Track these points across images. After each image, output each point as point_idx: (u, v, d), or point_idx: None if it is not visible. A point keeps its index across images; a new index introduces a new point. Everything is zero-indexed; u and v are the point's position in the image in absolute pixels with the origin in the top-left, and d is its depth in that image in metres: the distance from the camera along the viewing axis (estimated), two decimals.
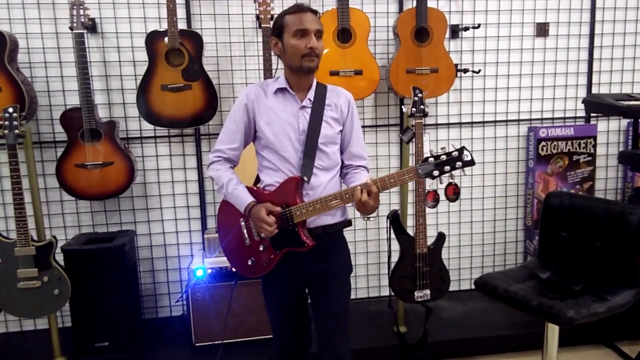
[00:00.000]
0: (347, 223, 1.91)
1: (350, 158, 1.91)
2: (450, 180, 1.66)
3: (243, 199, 1.80)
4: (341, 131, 1.87)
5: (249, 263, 1.86)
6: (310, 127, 1.79)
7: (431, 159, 1.64)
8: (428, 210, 2.99)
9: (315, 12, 1.76)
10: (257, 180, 1.93)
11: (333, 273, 1.86)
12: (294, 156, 1.79)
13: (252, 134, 1.87)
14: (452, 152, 1.62)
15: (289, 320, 1.94)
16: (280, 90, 1.82)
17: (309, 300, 1.94)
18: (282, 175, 1.80)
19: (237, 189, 1.82)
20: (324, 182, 1.82)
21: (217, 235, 2.72)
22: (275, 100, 1.82)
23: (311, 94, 1.82)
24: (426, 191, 2.97)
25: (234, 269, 2.58)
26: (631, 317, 2.65)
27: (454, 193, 3.10)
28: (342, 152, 1.91)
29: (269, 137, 1.80)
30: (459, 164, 1.62)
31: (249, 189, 1.84)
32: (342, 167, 1.92)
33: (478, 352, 2.82)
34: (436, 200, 3.01)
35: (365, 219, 1.81)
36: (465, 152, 1.61)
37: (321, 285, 1.86)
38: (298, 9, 1.73)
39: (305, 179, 1.77)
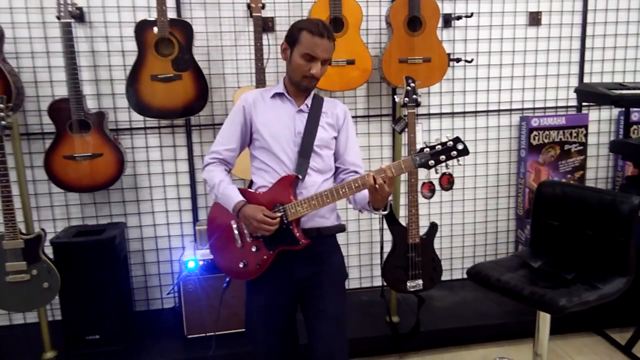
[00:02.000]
0: (341, 228, 1.89)
1: (346, 165, 1.91)
2: (445, 170, 1.67)
3: (232, 197, 1.78)
4: (335, 138, 1.88)
5: (241, 266, 1.82)
6: (307, 130, 1.81)
7: (427, 149, 1.65)
8: (421, 200, 2.99)
9: (332, 38, 1.77)
10: (251, 184, 1.91)
11: (328, 274, 1.84)
12: (289, 157, 1.79)
13: (248, 137, 1.87)
14: (446, 142, 1.64)
15: (277, 327, 1.84)
16: (279, 94, 1.85)
17: (300, 311, 1.88)
18: (275, 176, 1.79)
19: (227, 188, 1.80)
20: (318, 182, 1.81)
21: None
22: (273, 103, 1.85)
23: (308, 101, 1.85)
24: (422, 182, 2.97)
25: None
26: (621, 304, 2.66)
27: (448, 182, 3.11)
28: (336, 159, 1.91)
29: (264, 137, 1.80)
30: (453, 153, 1.64)
31: (242, 191, 1.82)
32: (338, 173, 1.92)
33: (470, 341, 2.83)
34: (432, 191, 3.02)
35: (377, 213, 1.78)
36: (460, 142, 1.64)
37: (316, 289, 1.82)
38: (317, 31, 1.72)
39: (300, 177, 1.76)
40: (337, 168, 1.92)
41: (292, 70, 1.79)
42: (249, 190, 1.84)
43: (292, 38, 1.77)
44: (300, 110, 1.83)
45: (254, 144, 1.86)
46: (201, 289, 2.61)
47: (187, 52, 2.64)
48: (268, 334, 1.85)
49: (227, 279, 2.05)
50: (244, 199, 1.78)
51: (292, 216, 1.74)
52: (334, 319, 1.82)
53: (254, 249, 1.80)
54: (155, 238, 3.03)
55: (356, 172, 1.90)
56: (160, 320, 2.94)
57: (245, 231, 1.81)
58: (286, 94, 1.84)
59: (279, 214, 1.73)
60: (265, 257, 1.79)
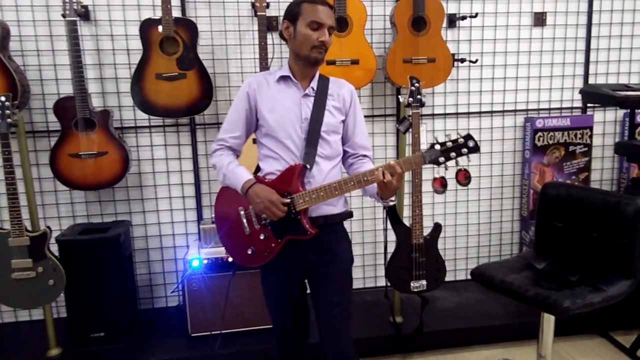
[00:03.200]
0: (349, 214, 1.90)
1: (355, 148, 1.91)
2: (460, 166, 1.69)
3: (242, 176, 1.78)
4: (343, 121, 1.87)
5: (249, 252, 1.84)
6: (313, 116, 1.79)
7: (437, 146, 1.66)
8: (425, 200, 2.98)
9: (331, 6, 1.77)
10: (257, 170, 1.91)
11: (334, 263, 1.85)
12: (296, 144, 1.78)
13: (254, 123, 1.86)
14: (457, 139, 1.65)
15: (289, 310, 1.92)
16: (283, 78, 1.83)
17: (309, 291, 1.93)
18: (283, 164, 1.79)
19: (237, 168, 1.81)
20: (325, 170, 1.81)
21: (213, 225, 2.72)
22: (278, 88, 1.82)
23: (314, 83, 1.83)
24: (434, 177, 2.96)
25: (230, 259, 2.59)
26: (626, 307, 2.66)
27: (465, 178, 3.08)
28: (345, 142, 1.90)
29: (271, 124, 1.79)
30: (464, 150, 1.65)
31: None
32: (346, 157, 1.93)
33: (474, 342, 2.83)
34: (444, 186, 3.00)
35: (385, 204, 1.80)
36: (471, 139, 1.64)
37: (323, 276, 1.85)
38: (317, 0, 1.73)
39: (308, 166, 1.76)
40: (345, 152, 1.91)
41: (300, 44, 1.75)
42: (258, 176, 1.84)
43: (292, 14, 1.76)
44: (306, 95, 1.81)
45: (260, 130, 1.84)
46: (205, 288, 2.61)
47: (192, 51, 2.64)
48: (281, 311, 1.92)
49: (233, 269, 2.07)
50: (253, 178, 1.78)
51: (300, 206, 1.74)
52: (339, 306, 1.84)
53: (262, 237, 1.81)
54: (160, 236, 3.04)
55: (365, 155, 1.91)
56: (165, 318, 2.95)
57: (254, 218, 1.82)
58: (292, 77, 1.82)
59: (288, 200, 1.74)
60: (273, 244, 1.80)
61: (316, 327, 1.88)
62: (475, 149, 1.64)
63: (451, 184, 3.20)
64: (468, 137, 1.65)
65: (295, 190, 1.75)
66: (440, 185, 3.01)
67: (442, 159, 1.66)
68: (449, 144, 1.65)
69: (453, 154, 1.65)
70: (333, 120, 1.83)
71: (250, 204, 1.80)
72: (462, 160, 1.66)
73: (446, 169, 1.70)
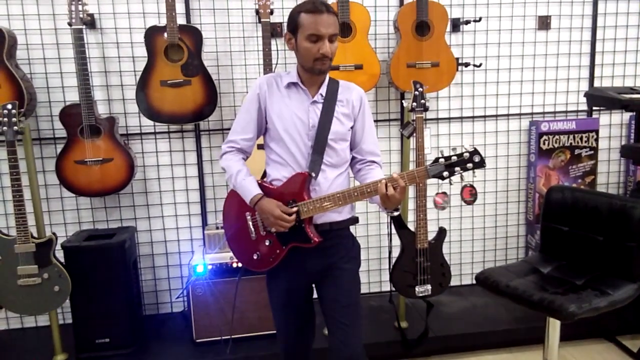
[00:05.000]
0: (354, 220, 1.90)
1: (363, 154, 1.90)
2: (465, 183, 1.67)
3: (250, 190, 1.79)
4: (352, 127, 1.86)
5: (255, 257, 1.85)
6: (321, 123, 1.78)
7: (442, 160, 1.64)
8: (429, 204, 2.98)
9: (331, 11, 1.71)
10: (264, 175, 1.92)
11: (341, 267, 1.85)
12: (303, 151, 1.78)
13: (264, 125, 1.85)
14: (462, 153, 1.63)
15: (294, 315, 1.92)
16: (292, 84, 1.82)
17: (315, 296, 1.93)
18: (289, 170, 1.79)
19: (245, 180, 1.81)
20: (331, 178, 1.81)
21: (217, 231, 2.73)
22: (287, 94, 1.81)
23: (323, 89, 1.82)
24: (435, 193, 2.95)
25: (236, 265, 2.60)
26: (633, 311, 2.64)
27: (470, 195, 3.05)
28: (353, 148, 1.89)
29: (278, 130, 1.79)
30: (469, 165, 1.63)
31: (257, 183, 1.83)
32: (355, 162, 1.92)
33: (479, 346, 2.81)
34: (445, 202, 2.98)
35: (389, 213, 1.79)
36: (477, 154, 1.62)
37: (330, 280, 1.85)
38: (314, 8, 1.67)
39: (313, 174, 1.76)
40: (353, 157, 1.90)
41: (302, 57, 1.74)
42: (264, 182, 1.85)
43: (292, 25, 1.72)
44: (315, 102, 1.80)
45: (269, 134, 1.84)
46: (210, 293, 2.62)
47: (197, 57, 2.66)
48: (285, 315, 1.91)
49: (239, 274, 2.06)
50: (261, 192, 1.78)
51: (304, 215, 1.75)
52: (349, 308, 1.84)
53: (267, 243, 1.82)
54: (165, 242, 3.05)
55: (373, 161, 1.90)
56: (170, 324, 2.96)
57: (260, 224, 1.82)
58: (300, 84, 1.81)
59: (295, 209, 1.74)
60: (278, 251, 1.81)
61: (322, 331, 1.88)
62: (481, 164, 1.62)
63: (456, 200, 3.18)
64: (474, 151, 1.62)
65: (300, 199, 1.75)
66: (442, 201, 2.99)
67: (446, 174, 1.64)
68: (454, 159, 1.63)
69: (458, 169, 1.63)
70: (341, 128, 1.81)
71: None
72: (468, 176, 1.64)
73: (451, 183, 1.67)
